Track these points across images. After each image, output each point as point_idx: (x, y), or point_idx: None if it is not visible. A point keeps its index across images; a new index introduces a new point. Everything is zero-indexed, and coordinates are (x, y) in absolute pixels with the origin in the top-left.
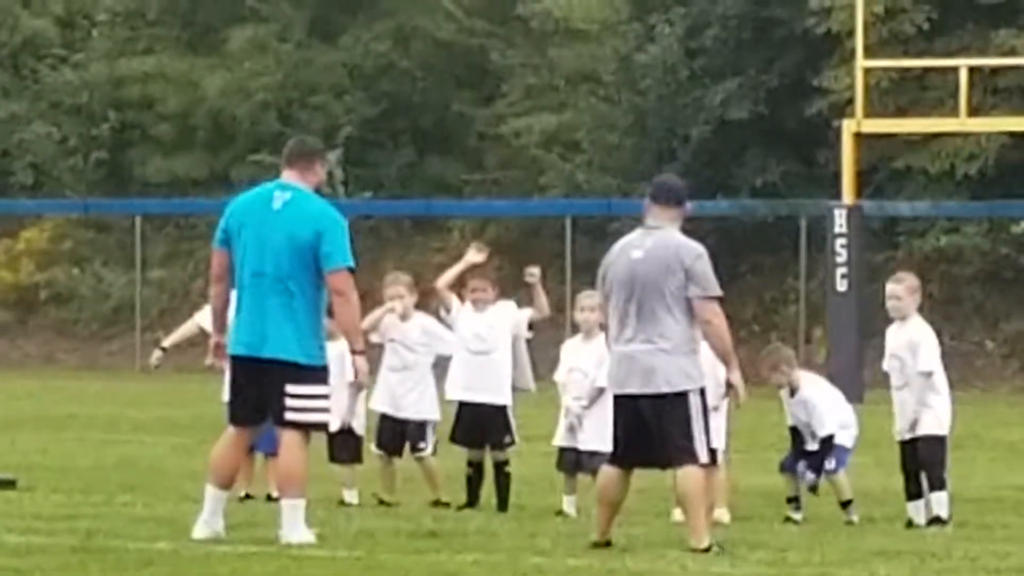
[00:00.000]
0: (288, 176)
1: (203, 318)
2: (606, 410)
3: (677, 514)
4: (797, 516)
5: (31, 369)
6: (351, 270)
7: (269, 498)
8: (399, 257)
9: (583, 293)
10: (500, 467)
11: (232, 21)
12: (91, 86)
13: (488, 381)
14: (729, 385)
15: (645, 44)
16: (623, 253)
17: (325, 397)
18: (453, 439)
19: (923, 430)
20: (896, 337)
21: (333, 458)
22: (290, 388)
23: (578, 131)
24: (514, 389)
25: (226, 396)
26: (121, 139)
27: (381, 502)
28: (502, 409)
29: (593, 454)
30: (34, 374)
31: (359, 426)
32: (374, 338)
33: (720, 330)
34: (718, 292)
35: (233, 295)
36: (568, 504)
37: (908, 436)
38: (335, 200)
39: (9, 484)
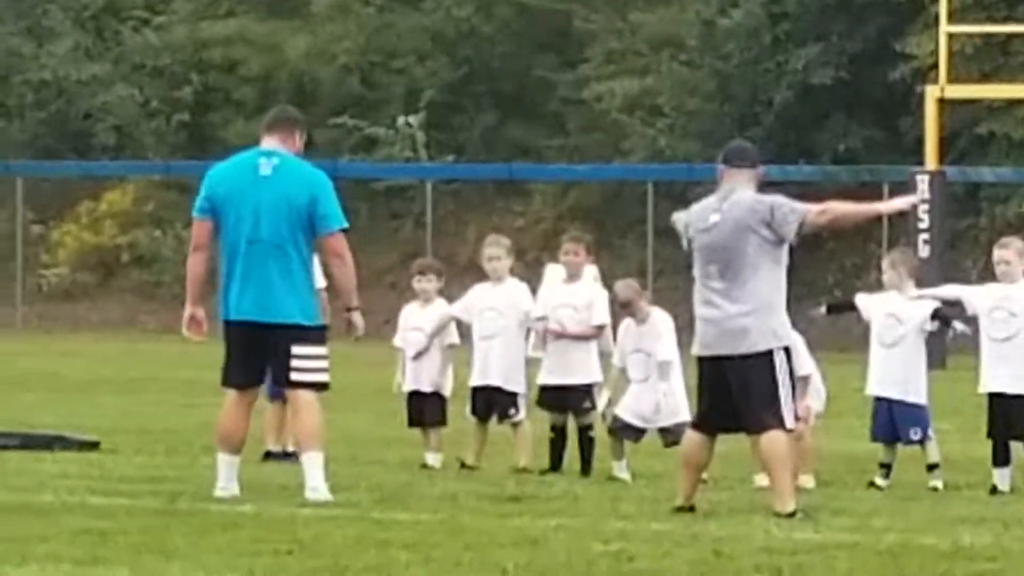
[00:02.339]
0: (269, 143)
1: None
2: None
3: (759, 479)
4: (884, 483)
5: (112, 331)
6: (344, 231)
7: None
8: (481, 221)
9: (622, 282)
10: (584, 431)
11: None
12: (173, 48)
13: (572, 364)
14: (901, 213)
15: (728, 8)
16: (701, 217)
17: (326, 357)
18: (539, 404)
19: None
20: (1008, 293)
21: (413, 421)
22: (295, 349)
23: (660, 96)
24: (600, 355)
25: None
26: (203, 102)
27: (463, 465)
28: (587, 386)
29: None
30: (115, 336)
31: (447, 388)
32: (464, 317)
33: (838, 211)
34: (804, 206)
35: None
36: (619, 469)
37: (1009, 390)
38: (417, 164)
39: (92, 446)
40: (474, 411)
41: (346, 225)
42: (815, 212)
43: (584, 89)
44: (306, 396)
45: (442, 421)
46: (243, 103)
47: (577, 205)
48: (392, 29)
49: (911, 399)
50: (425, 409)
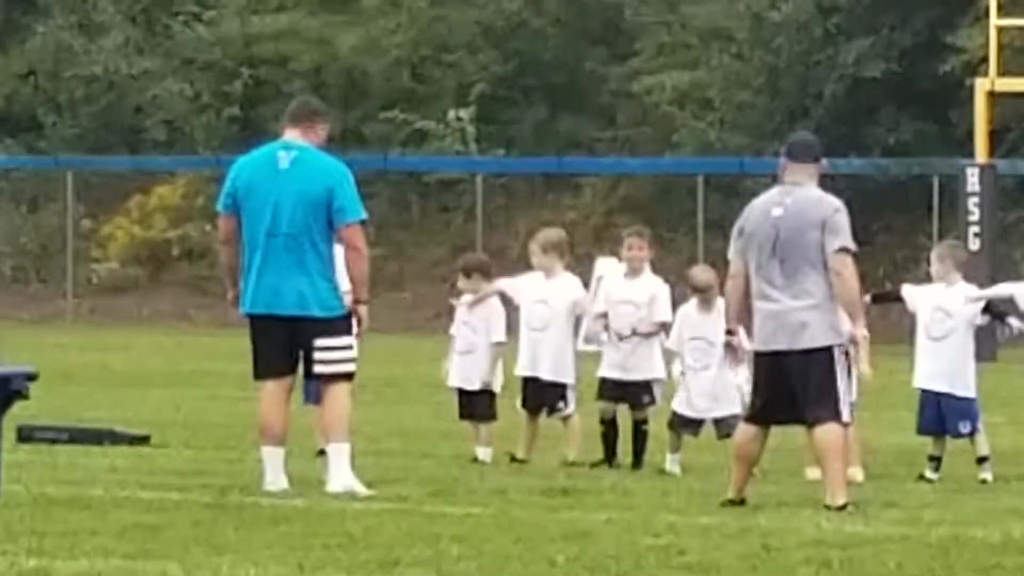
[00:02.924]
0: (290, 135)
1: (504, 283)
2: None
3: (810, 472)
4: (934, 476)
5: (163, 325)
6: (362, 222)
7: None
8: (531, 215)
9: (700, 267)
10: (638, 425)
11: None
12: (224, 43)
13: (634, 359)
14: (853, 341)
15: (778, 1)
16: (763, 211)
17: (349, 347)
18: (599, 396)
19: None
20: None
21: (464, 415)
22: (317, 342)
23: (710, 89)
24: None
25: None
26: (254, 96)
27: (513, 459)
28: (648, 382)
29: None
30: (166, 330)
31: (496, 384)
32: (509, 292)
33: (850, 283)
34: (851, 245)
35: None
36: (672, 463)
37: None
38: (468, 157)
39: (142, 440)
40: (524, 404)
41: (364, 217)
42: (840, 260)
43: (634, 82)
44: (335, 387)
45: (492, 416)
46: (294, 97)
47: (627, 198)
48: (443, 23)
49: (960, 392)
50: (475, 405)
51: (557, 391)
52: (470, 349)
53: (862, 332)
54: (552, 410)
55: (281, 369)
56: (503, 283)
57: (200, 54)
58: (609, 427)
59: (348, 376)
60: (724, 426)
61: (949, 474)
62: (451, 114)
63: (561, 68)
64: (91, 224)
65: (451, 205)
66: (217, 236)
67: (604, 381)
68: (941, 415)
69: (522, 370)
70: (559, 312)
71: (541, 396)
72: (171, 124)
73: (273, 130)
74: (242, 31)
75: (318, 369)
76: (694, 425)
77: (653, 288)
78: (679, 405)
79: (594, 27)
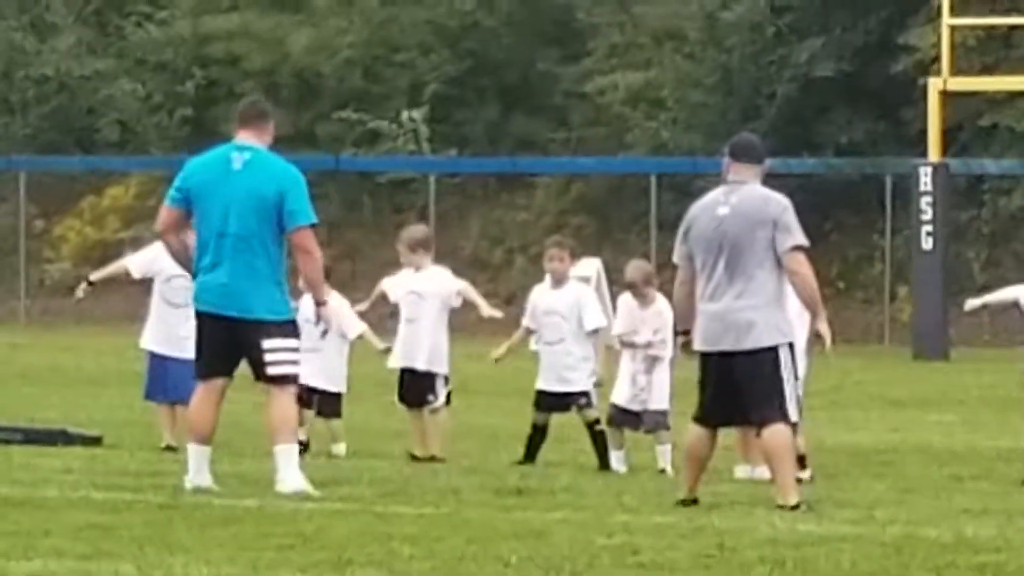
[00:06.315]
0: (243, 137)
1: (131, 262)
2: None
3: (739, 471)
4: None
5: (115, 326)
6: (313, 226)
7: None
8: (484, 215)
9: (633, 263)
10: (591, 427)
11: None
12: (176, 43)
13: (568, 370)
14: (817, 335)
15: (731, 1)
16: (707, 210)
17: (296, 350)
18: (536, 406)
19: None
20: None
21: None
22: (265, 344)
23: (663, 89)
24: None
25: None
26: (206, 96)
27: (414, 457)
28: (584, 392)
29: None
30: (118, 331)
31: (342, 385)
32: (390, 294)
33: (808, 280)
34: (804, 242)
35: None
36: (616, 460)
37: None
38: (420, 157)
39: (95, 441)
40: (402, 398)
41: (314, 221)
42: (795, 259)
43: (587, 82)
44: (282, 390)
45: (337, 413)
46: (246, 97)
47: (580, 198)
48: (395, 23)
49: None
50: (323, 402)
51: (428, 382)
52: (316, 347)
53: (824, 327)
54: (422, 402)
55: (219, 370)
56: (384, 283)
57: (152, 55)
58: (536, 432)
59: (295, 378)
60: (650, 421)
61: (901, 473)
62: (404, 114)
63: (514, 68)
64: (43, 225)
65: (404, 205)
66: (156, 226)
67: (540, 393)
68: None
69: (397, 361)
70: (431, 304)
71: (417, 386)
72: (123, 124)
73: (225, 131)
74: (194, 31)
75: (270, 371)
76: (634, 418)
77: (577, 295)
78: (618, 398)
79: (547, 27)
